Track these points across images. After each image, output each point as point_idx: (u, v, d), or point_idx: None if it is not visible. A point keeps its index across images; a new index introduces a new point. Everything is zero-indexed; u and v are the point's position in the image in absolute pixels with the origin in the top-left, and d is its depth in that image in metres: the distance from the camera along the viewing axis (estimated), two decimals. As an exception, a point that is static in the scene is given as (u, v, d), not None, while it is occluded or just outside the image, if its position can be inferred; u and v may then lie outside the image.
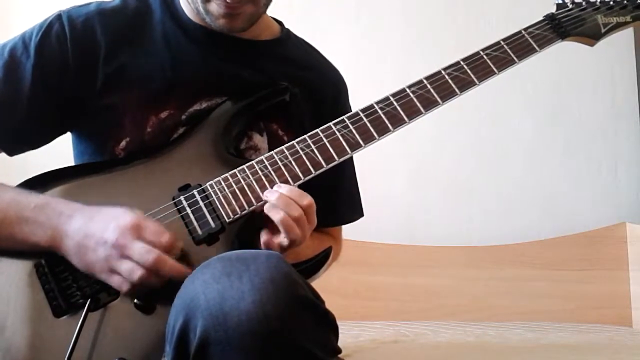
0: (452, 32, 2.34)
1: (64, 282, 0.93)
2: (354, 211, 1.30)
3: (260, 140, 1.12)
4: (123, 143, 1.07)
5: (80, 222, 0.93)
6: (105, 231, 0.90)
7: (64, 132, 1.14)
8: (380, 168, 2.17)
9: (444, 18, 2.37)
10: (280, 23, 1.24)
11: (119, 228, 0.90)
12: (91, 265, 0.92)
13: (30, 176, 1.02)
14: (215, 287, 0.77)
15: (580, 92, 2.34)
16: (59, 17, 1.09)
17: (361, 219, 1.31)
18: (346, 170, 1.25)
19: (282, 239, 0.95)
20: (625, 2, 1.17)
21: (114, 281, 0.91)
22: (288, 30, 1.24)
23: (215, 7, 1.05)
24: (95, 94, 1.07)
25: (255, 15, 1.09)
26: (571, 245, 2.20)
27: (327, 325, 0.85)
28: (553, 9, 1.17)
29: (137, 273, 0.89)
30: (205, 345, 0.76)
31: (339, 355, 0.88)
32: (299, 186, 0.99)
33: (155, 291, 0.91)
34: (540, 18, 1.15)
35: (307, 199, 0.96)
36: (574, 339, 1.74)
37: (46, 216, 0.94)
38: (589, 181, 2.32)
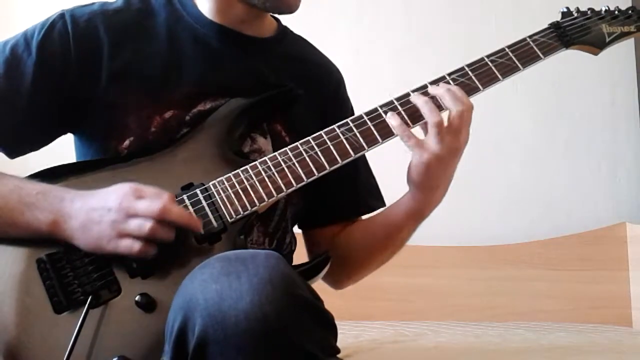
0: (452, 32, 2.34)
1: (66, 278, 0.92)
2: (377, 199, 1.28)
3: (264, 143, 1.12)
4: (127, 142, 1.07)
5: (81, 202, 0.94)
6: (107, 201, 0.92)
7: (64, 133, 1.14)
8: (379, 168, 2.17)
9: (445, 19, 2.37)
10: (277, 20, 1.25)
11: (119, 194, 0.92)
12: (98, 239, 0.92)
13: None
14: (213, 287, 0.77)
15: (580, 92, 2.35)
16: (62, 15, 1.09)
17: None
18: (359, 161, 1.24)
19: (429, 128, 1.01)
20: (630, 12, 1.18)
21: (124, 245, 0.91)
22: (285, 27, 1.25)
23: None
24: (98, 93, 1.07)
25: None
26: (571, 245, 2.21)
27: (326, 325, 0.85)
28: (552, 10, 1.17)
29: (147, 225, 0.89)
30: (203, 345, 0.76)
31: (338, 355, 0.87)
32: (307, 185, 1.01)
33: (153, 284, 0.92)
34: (542, 24, 1.15)
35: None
36: (574, 339, 1.74)
37: (48, 202, 0.94)
38: (589, 181, 2.32)
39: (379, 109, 1.06)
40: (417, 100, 1.04)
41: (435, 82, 1.07)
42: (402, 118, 1.05)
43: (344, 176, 1.11)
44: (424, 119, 1.04)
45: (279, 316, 0.75)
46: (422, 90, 1.06)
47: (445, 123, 1.01)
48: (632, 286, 2.15)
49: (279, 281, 0.77)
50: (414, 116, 1.05)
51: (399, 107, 1.05)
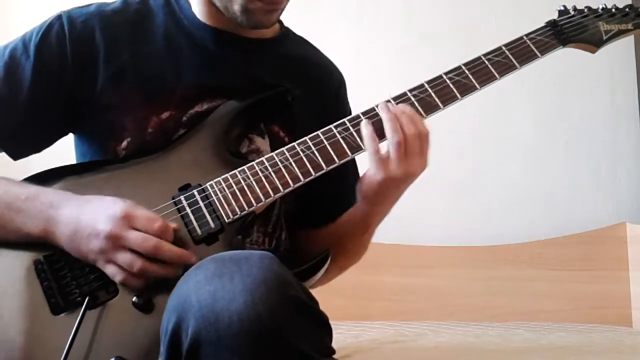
0: (452, 32, 2.34)
1: (63, 280, 0.93)
2: None
3: (262, 143, 1.12)
4: (124, 143, 1.07)
5: (70, 212, 0.93)
6: (97, 222, 0.91)
7: (65, 134, 1.14)
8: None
9: (445, 19, 2.37)
10: (279, 20, 1.24)
11: (110, 218, 0.90)
12: (84, 256, 0.92)
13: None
14: (207, 288, 0.77)
15: (580, 92, 2.34)
16: (59, 17, 1.09)
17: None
18: (348, 164, 1.24)
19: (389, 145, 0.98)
20: (627, 10, 1.17)
21: (109, 270, 0.91)
22: (287, 28, 1.25)
23: (260, 5, 1.05)
24: (95, 95, 1.07)
25: (284, 9, 1.10)
26: (571, 245, 2.20)
27: (320, 325, 0.85)
28: (552, 10, 1.17)
29: (137, 263, 0.89)
30: (196, 346, 0.76)
31: (334, 356, 0.87)
32: (303, 186, 1.01)
33: (151, 284, 0.91)
34: (542, 24, 1.14)
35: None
36: (574, 339, 1.74)
37: (37, 208, 0.94)
38: (589, 181, 2.32)
39: (376, 108, 1.05)
40: (383, 113, 1.02)
41: (429, 83, 1.07)
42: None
43: (330, 179, 1.09)
44: (421, 118, 1.03)
45: (272, 316, 0.75)
46: (371, 112, 1.04)
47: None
48: (632, 286, 2.14)
49: (272, 282, 0.77)
50: None
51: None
